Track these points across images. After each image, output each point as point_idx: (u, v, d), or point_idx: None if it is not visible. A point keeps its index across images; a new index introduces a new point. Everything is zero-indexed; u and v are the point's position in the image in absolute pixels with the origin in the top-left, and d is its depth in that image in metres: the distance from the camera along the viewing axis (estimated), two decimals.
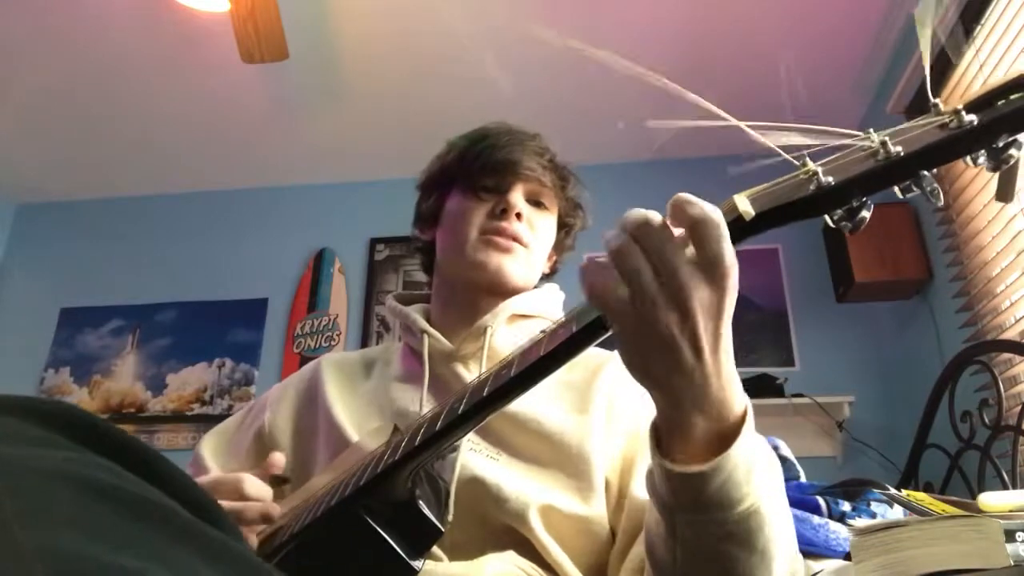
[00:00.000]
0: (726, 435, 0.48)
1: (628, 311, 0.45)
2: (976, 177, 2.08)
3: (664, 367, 0.46)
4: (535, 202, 0.91)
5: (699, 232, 0.45)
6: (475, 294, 0.87)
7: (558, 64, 2.73)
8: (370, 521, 0.60)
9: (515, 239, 0.86)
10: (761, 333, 2.91)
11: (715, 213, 0.45)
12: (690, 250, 0.45)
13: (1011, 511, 0.69)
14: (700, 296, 0.45)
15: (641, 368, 0.48)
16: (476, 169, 0.89)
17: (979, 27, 1.99)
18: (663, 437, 0.50)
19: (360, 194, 3.49)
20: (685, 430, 0.48)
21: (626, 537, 0.71)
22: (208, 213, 3.58)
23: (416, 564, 0.60)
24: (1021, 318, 1.90)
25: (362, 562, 0.61)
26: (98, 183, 3.58)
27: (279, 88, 2.92)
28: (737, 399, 0.49)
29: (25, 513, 0.26)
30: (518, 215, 0.87)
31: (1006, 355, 1.91)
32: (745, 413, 0.49)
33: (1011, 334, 1.94)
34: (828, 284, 2.83)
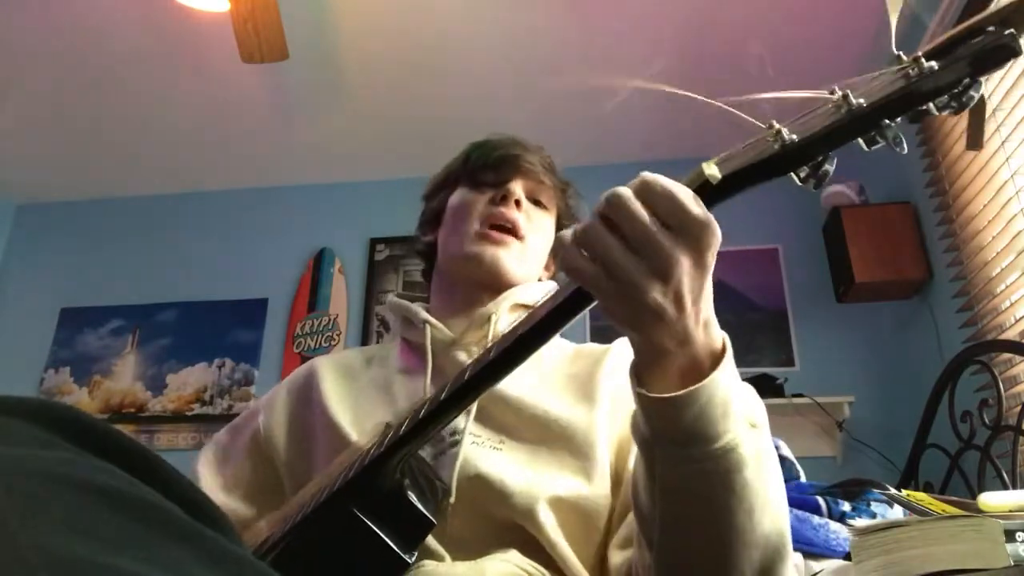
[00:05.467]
0: (703, 372, 0.49)
1: (606, 285, 0.47)
2: (977, 177, 2.08)
3: (646, 321, 0.47)
4: (534, 200, 0.92)
5: (645, 196, 0.46)
6: (474, 289, 0.87)
7: (557, 63, 2.73)
8: (360, 515, 0.60)
9: (513, 227, 0.87)
10: (761, 333, 2.90)
11: (646, 174, 0.46)
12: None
13: (1011, 511, 0.69)
14: (679, 258, 0.45)
15: (621, 319, 0.49)
16: (478, 166, 0.91)
17: None
18: (642, 373, 0.51)
19: (360, 194, 3.49)
20: (663, 365, 0.50)
21: (620, 514, 0.71)
22: (208, 213, 3.58)
23: (408, 557, 0.60)
24: (1021, 318, 1.90)
25: (355, 557, 0.61)
26: (98, 183, 3.58)
27: (279, 88, 2.92)
28: (715, 339, 0.50)
29: (23, 514, 0.26)
30: (517, 203, 0.88)
31: (1006, 355, 1.92)
32: (723, 353, 0.50)
33: (1011, 334, 1.93)
34: (828, 284, 2.83)
